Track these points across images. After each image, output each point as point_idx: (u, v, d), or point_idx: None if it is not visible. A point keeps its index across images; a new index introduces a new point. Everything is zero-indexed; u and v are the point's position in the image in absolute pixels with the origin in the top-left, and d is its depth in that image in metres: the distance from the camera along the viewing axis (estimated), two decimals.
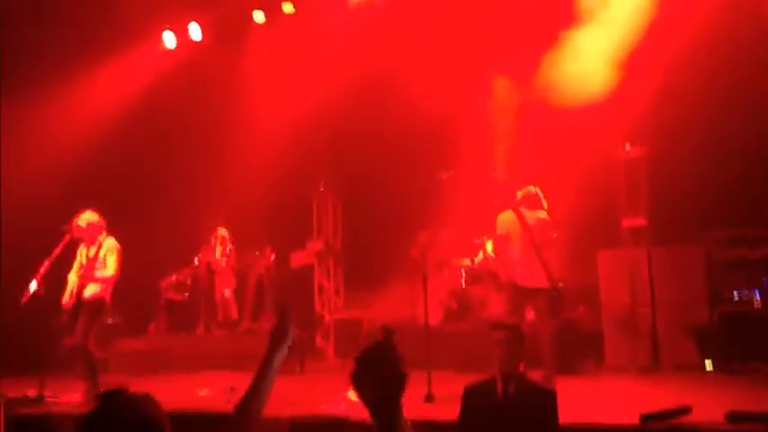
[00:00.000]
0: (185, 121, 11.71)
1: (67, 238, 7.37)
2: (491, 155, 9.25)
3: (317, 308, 11.85)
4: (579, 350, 8.38)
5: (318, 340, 11.43)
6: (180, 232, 10.95)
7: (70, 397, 7.02)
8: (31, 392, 6.96)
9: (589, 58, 8.65)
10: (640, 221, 8.84)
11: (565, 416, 4.18)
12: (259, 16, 11.57)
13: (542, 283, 6.92)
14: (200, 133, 11.69)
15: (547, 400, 4.08)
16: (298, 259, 11.76)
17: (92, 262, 7.34)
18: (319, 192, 12.12)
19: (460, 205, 8.94)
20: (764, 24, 8.14)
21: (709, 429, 4.84)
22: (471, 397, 4.18)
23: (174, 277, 10.99)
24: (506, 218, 7.27)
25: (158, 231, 10.70)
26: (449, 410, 4.67)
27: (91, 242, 7.45)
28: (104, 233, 7.51)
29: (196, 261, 10.96)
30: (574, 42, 8.84)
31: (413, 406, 5.68)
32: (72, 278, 7.45)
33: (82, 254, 7.49)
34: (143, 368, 9.30)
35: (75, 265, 7.49)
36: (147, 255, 9.89)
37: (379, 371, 1.72)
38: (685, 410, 5.06)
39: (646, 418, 4.95)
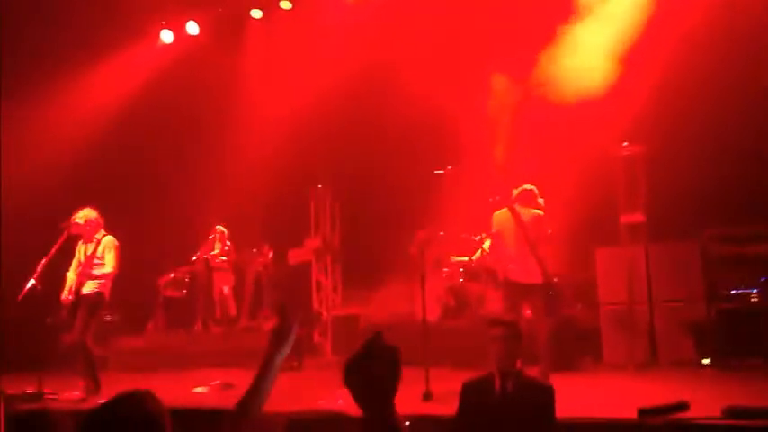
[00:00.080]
0: (184, 119, 11.72)
1: (65, 235, 7.38)
2: (489, 152, 9.26)
3: (315, 305, 11.87)
4: (577, 347, 8.40)
5: (316, 337, 11.45)
6: (178, 230, 10.96)
7: (69, 394, 7.02)
8: (31, 389, 6.96)
9: (587, 54, 8.66)
10: (638, 218, 8.85)
11: (563, 412, 4.20)
12: (257, 13, 11.57)
13: (537, 279, 6.99)
14: (199, 131, 11.70)
15: (544, 397, 4.09)
16: (295, 256, 11.78)
17: (90, 259, 7.34)
18: (317, 189, 12.13)
19: (459, 203, 8.95)
20: (761, 22, 8.14)
21: (707, 425, 4.85)
22: (469, 393, 4.20)
23: (172, 275, 11.00)
24: (501, 216, 7.34)
25: (156, 229, 10.72)
26: (447, 407, 4.68)
27: (89, 239, 7.45)
28: (103, 230, 7.52)
29: (194, 258, 10.97)
30: (572, 39, 8.85)
31: (410, 403, 5.69)
32: (71, 276, 7.45)
33: (80, 251, 7.50)
34: (141, 365, 9.32)
35: (74, 263, 7.50)
36: (146, 252, 9.90)
37: (369, 373, 1.72)
38: (683, 406, 5.07)
39: (643, 413, 4.97)
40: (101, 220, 7.55)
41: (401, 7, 10.16)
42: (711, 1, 8.27)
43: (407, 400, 5.03)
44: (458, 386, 4.27)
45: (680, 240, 8.53)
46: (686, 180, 8.69)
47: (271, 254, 11.03)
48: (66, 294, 7.39)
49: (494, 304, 8.75)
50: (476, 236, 9.43)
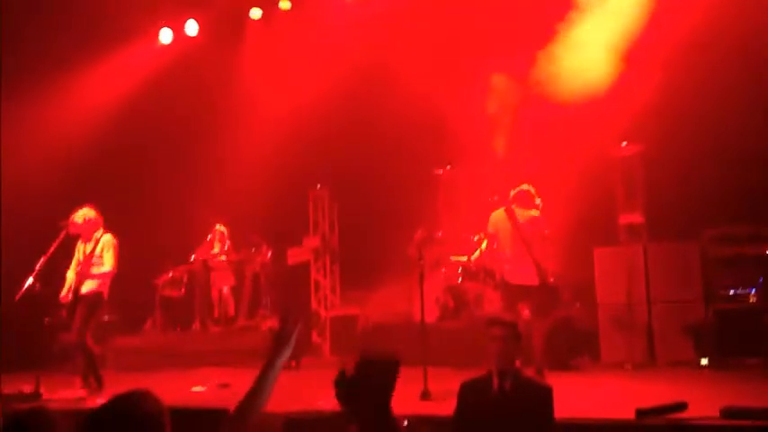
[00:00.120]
0: (182, 118, 11.70)
1: (64, 234, 7.37)
2: (488, 152, 9.26)
3: (314, 305, 11.86)
4: (575, 347, 8.39)
5: (315, 337, 11.44)
6: (176, 229, 10.94)
7: (66, 393, 7.01)
8: (28, 389, 6.95)
9: (585, 54, 8.65)
10: (637, 218, 8.87)
11: (561, 411, 4.19)
12: (256, 13, 11.57)
13: (533, 280, 7.04)
14: (197, 131, 11.68)
15: (543, 396, 4.09)
16: (294, 256, 11.77)
17: (89, 258, 7.34)
18: (316, 189, 12.12)
19: (457, 203, 8.95)
20: (760, 22, 8.14)
21: (705, 425, 4.86)
22: (467, 393, 4.19)
23: (170, 274, 10.99)
24: (497, 216, 7.40)
25: (155, 228, 10.70)
26: (445, 407, 4.67)
27: (88, 239, 7.45)
28: (101, 229, 7.51)
29: (192, 258, 10.96)
30: (571, 38, 8.84)
31: (409, 402, 5.69)
32: (70, 275, 7.45)
33: (80, 251, 7.50)
34: (139, 365, 9.30)
35: (74, 262, 7.49)
36: (144, 252, 9.89)
37: (361, 395, 1.73)
38: (681, 406, 5.07)
39: (641, 413, 4.97)
40: (100, 220, 7.55)
41: (399, 7, 10.15)
42: (711, 1, 8.27)
43: (405, 400, 5.02)
44: (456, 386, 4.27)
45: (678, 241, 8.54)
46: (685, 180, 8.70)
47: (269, 253, 11.02)
48: (65, 293, 7.38)
49: (492, 304, 8.77)
50: (474, 236, 9.43)
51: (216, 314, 11.04)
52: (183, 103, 11.61)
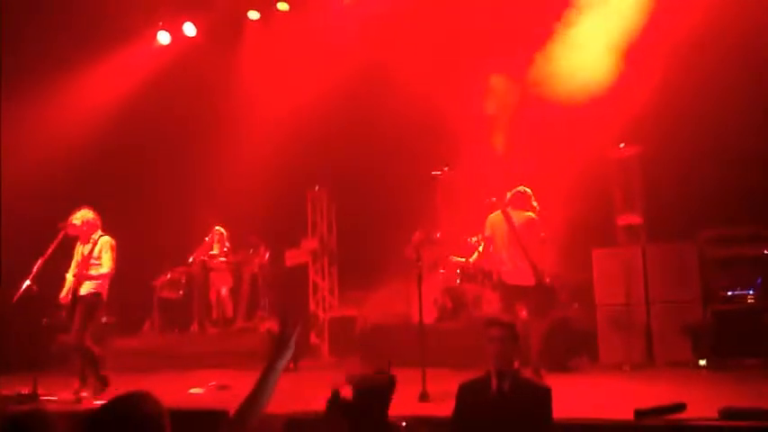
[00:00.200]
0: (180, 120, 11.71)
1: (61, 235, 7.36)
2: (486, 153, 9.26)
3: (312, 306, 11.86)
4: (573, 347, 8.39)
5: (313, 338, 11.44)
6: (175, 231, 10.94)
7: (64, 394, 7.01)
8: (25, 390, 6.94)
9: (584, 55, 8.66)
10: (635, 219, 8.87)
11: (559, 412, 4.19)
12: (254, 14, 11.57)
13: (529, 280, 7.06)
14: (195, 132, 11.68)
15: (541, 397, 4.08)
16: (292, 257, 11.77)
17: (87, 260, 7.33)
18: (314, 190, 12.12)
19: (455, 204, 8.95)
20: (760, 22, 8.15)
21: (703, 426, 4.85)
22: (466, 394, 4.19)
23: (168, 276, 10.97)
24: (494, 219, 7.44)
25: (153, 230, 10.70)
26: (443, 408, 4.67)
27: (86, 240, 7.44)
28: (100, 231, 7.51)
29: (191, 259, 10.95)
30: (569, 38, 8.85)
31: (407, 403, 5.68)
32: (69, 277, 7.44)
33: (78, 252, 7.49)
34: (137, 366, 9.29)
35: (73, 264, 7.48)
36: (142, 253, 9.88)
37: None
38: (679, 407, 5.07)
39: (640, 414, 4.97)
40: (98, 221, 7.54)
41: (397, 8, 10.15)
42: (710, 1, 8.27)
43: (404, 401, 5.02)
44: (454, 387, 4.26)
45: (676, 241, 8.54)
46: (683, 181, 8.71)
47: (267, 255, 11.02)
48: (64, 295, 7.37)
49: (490, 305, 8.77)
50: (472, 237, 9.43)
51: (214, 316, 11.03)
52: (182, 104, 11.62)
